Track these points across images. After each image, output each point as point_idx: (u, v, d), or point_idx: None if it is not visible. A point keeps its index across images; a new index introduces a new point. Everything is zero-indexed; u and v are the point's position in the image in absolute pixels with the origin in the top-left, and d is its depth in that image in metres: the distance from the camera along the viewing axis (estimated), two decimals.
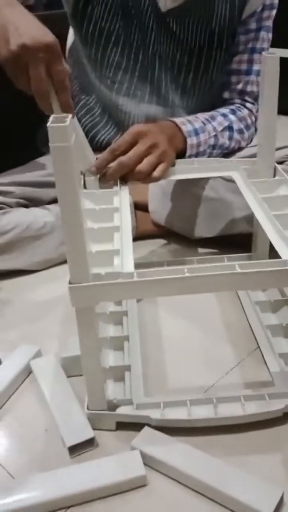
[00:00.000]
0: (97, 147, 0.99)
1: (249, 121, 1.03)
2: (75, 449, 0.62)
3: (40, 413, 0.68)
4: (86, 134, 1.02)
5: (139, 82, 1.02)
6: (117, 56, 1.00)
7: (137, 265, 0.60)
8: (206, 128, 0.94)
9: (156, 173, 0.80)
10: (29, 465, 0.62)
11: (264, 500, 0.54)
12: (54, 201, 1.05)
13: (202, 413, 0.64)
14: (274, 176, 0.81)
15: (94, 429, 0.64)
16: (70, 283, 0.55)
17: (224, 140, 0.98)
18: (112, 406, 0.65)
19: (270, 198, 0.73)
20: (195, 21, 0.96)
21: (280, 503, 0.54)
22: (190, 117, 0.95)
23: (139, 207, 1.09)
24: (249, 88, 1.03)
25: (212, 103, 1.06)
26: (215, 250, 1.03)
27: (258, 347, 0.77)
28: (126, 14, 0.96)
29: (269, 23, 1.01)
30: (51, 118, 0.48)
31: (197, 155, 0.93)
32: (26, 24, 0.70)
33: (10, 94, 1.28)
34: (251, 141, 1.05)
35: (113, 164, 0.79)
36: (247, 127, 1.03)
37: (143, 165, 0.79)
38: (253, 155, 0.86)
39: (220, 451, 0.61)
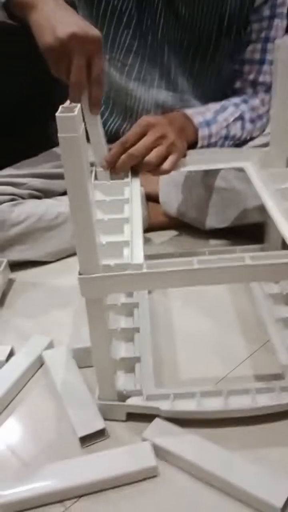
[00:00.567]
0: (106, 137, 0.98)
1: (260, 111, 1.01)
2: (86, 440, 0.62)
3: (52, 403, 0.69)
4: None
5: (149, 66, 1.00)
6: (128, 37, 0.98)
7: (148, 257, 0.59)
8: (218, 119, 0.93)
9: (165, 166, 0.79)
10: (41, 455, 0.62)
11: (274, 493, 0.54)
12: (62, 193, 1.05)
13: (212, 405, 0.64)
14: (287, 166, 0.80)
15: (105, 419, 0.64)
16: (79, 274, 0.55)
17: (236, 131, 0.97)
18: (123, 397, 0.65)
19: (283, 188, 0.72)
20: (204, 6, 0.94)
21: None
22: (201, 108, 0.94)
23: (151, 198, 1.09)
24: (261, 78, 1.01)
25: (222, 90, 1.04)
26: (227, 241, 1.02)
27: (270, 339, 0.77)
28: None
29: (284, 9, 0.98)
30: (60, 108, 0.48)
31: (208, 146, 0.92)
32: (71, 16, 0.72)
33: (22, 83, 1.29)
34: (263, 131, 1.04)
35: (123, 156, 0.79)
36: (259, 117, 1.01)
37: (152, 156, 0.78)
38: (266, 144, 0.85)
39: (231, 443, 0.61)
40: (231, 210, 1.00)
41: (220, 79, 1.03)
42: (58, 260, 1.01)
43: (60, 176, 1.03)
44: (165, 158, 0.79)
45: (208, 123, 0.91)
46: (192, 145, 0.89)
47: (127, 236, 0.63)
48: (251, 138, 1.01)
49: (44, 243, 0.99)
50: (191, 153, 0.85)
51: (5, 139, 1.14)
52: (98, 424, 0.63)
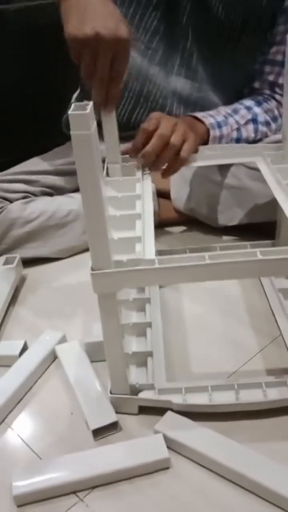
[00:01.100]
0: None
1: (276, 112, 1.00)
2: (99, 432, 0.63)
3: (65, 397, 0.70)
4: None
5: (172, 52, 0.99)
6: (156, 20, 0.96)
7: (159, 252, 0.60)
8: (228, 122, 0.93)
9: (183, 153, 0.79)
10: (55, 447, 0.63)
11: (286, 484, 0.54)
12: (78, 189, 1.06)
13: (223, 398, 0.65)
14: None
15: (117, 412, 0.65)
16: (92, 269, 0.56)
17: (248, 133, 0.96)
18: (135, 390, 0.66)
19: None
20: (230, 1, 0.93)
21: None
22: (212, 111, 0.94)
23: (162, 195, 1.10)
24: (280, 80, 1.00)
25: (239, 87, 1.04)
26: (237, 237, 1.02)
27: (281, 334, 0.77)
28: None
29: None
30: (72, 106, 0.49)
31: None
32: (105, 11, 0.70)
33: (34, 78, 1.30)
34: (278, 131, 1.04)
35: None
36: (274, 118, 1.00)
37: (174, 140, 0.78)
38: (278, 141, 0.86)
39: (242, 437, 0.61)
40: (242, 208, 1.00)
41: (238, 76, 1.03)
42: (69, 256, 1.02)
43: (71, 173, 1.04)
44: (181, 147, 0.79)
45: (219, 125, 0.91)
46: (203, 144, 0.89)
47: (139, 232, 0.63)
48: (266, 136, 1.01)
49: (56, 240, 1.00)
50: (203, 148, 0.85)
51: (14, 134, 1.15)
52: (111, 417, 0.64)
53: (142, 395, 0.66)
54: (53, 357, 0.76)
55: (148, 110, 1.04)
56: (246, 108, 0.98)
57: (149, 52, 0.99)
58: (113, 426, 0.64)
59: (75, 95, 1.14)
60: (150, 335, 0.74)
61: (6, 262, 0.93)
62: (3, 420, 0.67)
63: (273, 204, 0.91)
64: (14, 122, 1.28)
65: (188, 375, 0.72)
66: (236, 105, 0.98)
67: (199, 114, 0.91)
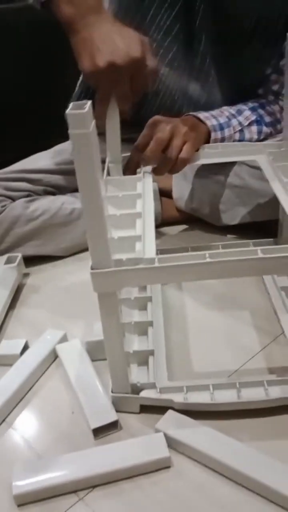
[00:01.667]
0: None
1: (278, 116, 1.00)
2: (99, 431, 0.63)
3: (66, 396, 0.70)
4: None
5: (184, 53, 0.98)
6: (170, 19, 0.94)
7: (161, 251, 0.60)
8: (231, 124, 0.92)
9: (182, 154, 0.80)
10: (55, 446, 0.63)
11: (286, 482, 0.54)
12: (75, 190, 1.06)
13: (225, 397, 0.64)
14: None
15: (118, 411, 0.65)
16: (92, 268, 0.56)
17: (251, 135, 0.96)
18: (136, 389, 0.66)
19: None
20: (245, 4, 0.91)
21: None
22: (215, 112, 0.93)
23: (164, 194, 1.09)
24: (285, 91, 1.00)
25: (243, 93, 1.03)
26: (239, 235, 1.02)
27: (283, 332, 0.77)
28: None
29: None
30: (70, 105, 0.48)
31: None
32: (113, 36, 0.69)
33: (35, 77, 1.30)
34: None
35: None
36: (277, 120, 0.99)
37: (170, 152, 0.79)
38: (279, 140, 0.85)
39: (243, 435, 0.61)
40: (244, 207, 1.00)
41: (245, 81, 1.01)
42: (72, 255, 1.02)
43: (73, 172, 1.03)
44: (181, 149, 0.80)
45: (221, 127, 0.90)
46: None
47: (139, 231, 0.63)
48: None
49: (59, 238, 1.00)
50: (205, 147, 0.85)
51: (15, 133, 1.15)
52: (111, 416, 0.64)
53: (143, 394, 0.66)
54: (54, 356, 0.76)
55: (155, 110, 1.03)
56: (251, 109, 0.97)
57: (161, 51, 0.97)
58: (113, 425, 0.64)
59: (75, 91, 1.13)
60: (152, 334, 0.74)
61: (8, 261, 0.93)
62: (3, 419, 0.67)
63: (275, 202, 0.91)
64: (15, 121, 1.28)
65: (190, 374, 0.72)
66: (240, 106, 0.98)
67: (201, 115, 0.90)
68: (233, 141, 0.93)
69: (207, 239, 1.03)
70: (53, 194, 1.05)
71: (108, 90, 0.71)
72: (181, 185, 1.07)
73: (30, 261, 0.98)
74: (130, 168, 0.82)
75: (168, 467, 0.59)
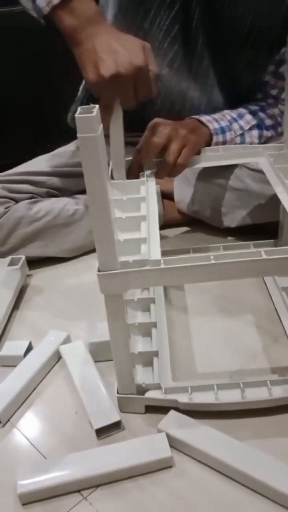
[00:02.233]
0: None
1: (279, 119, 1.00)
2: (102, 432, 0.64)
3: (70, 396, 0.70)
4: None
5: (184, 54, 0.98)
6: (169, 20, 0.94)
7: (164, 253, 0.60)
8: (232, 127, 0.93)
9: (180, 160, 0.80)
10: (59, 446, 0.64)
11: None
12: (82, 191, 1.06)
13: (229, 397, 0.65)
14: None
15: (123, 412, 0.66)
16: (99, 270, 0.57)
17: (252, 139, 0.96)
18: (141, 390, 0.66)
19: None
20: (239, 8, 0.92)
21: None
22: (216, 115, 0.94)
23: (166, 196, 1.10)
24: (284, 95, 0.99)
25: (241, 97, 1.04)
26: (241, 237, 1.02)
27: (285, 332, 0.77)
28: None
29: None
30: (79, 110, 0.49)
31: None
32: (115, 45, 0.70)
33: (36, 79, 1.30)
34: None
35: None
36: (278, 123, 1.00)
37: (168, 157, 0.80)
38: (279, 143, 0.85)
39: (246, 435, 0.62)
40: (245, 209, 1.00)
41: (239, 86, 1.02)
42: (74, 257, 1.03)
43: (76, 175, 1.04)
44: (179, 153, 0.80)
45: (223, 130, 0.91)
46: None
47: (144, 233, 0.64)
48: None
49: (61, 239, 1.01)
50: (206, 149, 0.86)
51: (16, 136, 1.16)
52: (114, 416, 0.64)
53: (148, 394, 0.66)
54: (57, 357, 0.77)
55: (155, 112, 1.03)
56: (251, 113, 0.98)
57: (161, 52, 0.97)
58: (116, 426, 0.64)
59: (78, 95, 1.14)
60: (155, 335, 0.75)
61: (11, 263, 0.94)
62: (8, 420, 0.68)
63: (275, 204, 0.92)
64: (16, 123, 1.28)
65: (193, 375, 0.73)
66: (241, 110, 0.98)
67: (204, 118, 0.91)
68: (234, 144, 0.94)
69: (208, 241, 1.03)
70: (56, 196, 1.05)
71: (112, 98, 0.73)
72: (182, 188, 1.08)
73: (33, 263, 0.99)
74: (132, 172, 0.82)
75: (170, 466, 0.59)
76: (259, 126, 0.97)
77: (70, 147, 1.10)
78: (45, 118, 1.31)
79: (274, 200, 0.89)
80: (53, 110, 1.16)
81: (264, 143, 0.99)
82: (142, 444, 0.61)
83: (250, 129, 0.96)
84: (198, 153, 0.85)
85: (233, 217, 1.02)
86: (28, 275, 0.97)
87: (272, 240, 0.93)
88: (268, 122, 0.99)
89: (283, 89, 0.99)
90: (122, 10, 0.95)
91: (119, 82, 0.70)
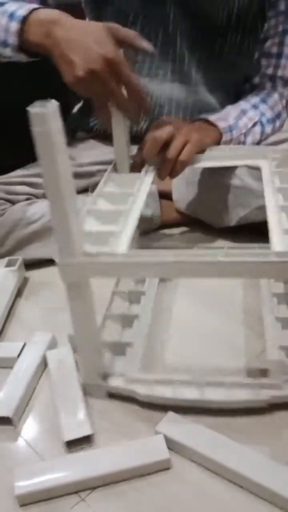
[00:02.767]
0: None
1: (280, 106, 1.01)
2: (72, 444, 0.62)
3: None
4: None
5: (160, 61, 1.00)
6: (146, 25, 0.96)
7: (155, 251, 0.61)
8: (238, 125, 0.93)
9: (182, 156, 0.80)
10: (57, 447, 0.64)
11: (286, 484, 0.54)
12: (79, 192, 1.06)
13: (187, 394, 0.66)
14: None
15: (88, 395, 0.68)
16: (57, 259, 0.59)
17: (254, 136, 0.97)
18: (106, 377, 0.68)
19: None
20: (211, 2, 0.93)
21: None
22: (221, 114, 0.94)
23: (164, 196, 1.10)
24: (279, 73, 1.01)
25: (237, 85, 1.04)
26: (240, 237, 1.02)
27: (265, 337, 0.76)
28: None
29: None
30: (35, 103, 0.50)
31: None
32: (86, 40, 0.71)
33: (36, 83, 1.30)
34: (282, 126, 1.04)
35: None
36: (278, 115, 1.01)
37: (169, 153, 0.80)
38: (284, 140, 0.85)
39: (237, 434, 0.62)
40: (243, 208, 1.00)
41: (234, 73, 1.03)
42: None
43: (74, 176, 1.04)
44: (182, 149, 0.80)
45: (230, 129, 0.92)
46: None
47: (119, 227, 0.65)
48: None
49: None
50: (211, 149, 0.85)
51: (15, 139, 1.16)
52: (85, 430, 0.63)
53: (111, 382, 0.68)
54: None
55: (144, 119, 1.05)
56: (253, 106, 0.98)
57: (136, 65, 0.97)
58: (87, 440, 0.63)
59: (77, 107, 1.15)
60: (136, 327, 0.76)
61: (8, 264, 0.94)
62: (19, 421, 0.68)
63: None
64: (15, 127, 1.28)
65: (164, 369, 0.74)
66: (243, 105, 0.98)
67: (211, 118, 0.91)
68: (239, 142, 0.94)
69: (207, 241, 1.03)
70: None
71: (99, 94, 0.73)
72: (181, 187, 1.08)
73: (31, 264, 0.99)
74: (135, 168, 0.83)
75: (168, 468, 0.59)
76: (261, 122, 0.98)
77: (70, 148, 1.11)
78: None
79: None
80: None
81: (266, 139, 1.00)
82: (140, 446, 0.61)
83: (253, 126, 0.96)
84: (202, 151, 0.84)
85: (232, 216, 1.02)
86: (25, 277, 0.97)
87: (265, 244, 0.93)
88: (269, 115, 0.99)
89: (276, 66, 1.00)
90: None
91: (96, 79, 0.70)
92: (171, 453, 0.60)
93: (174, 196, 1.09)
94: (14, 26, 0.76)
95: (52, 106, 0.50)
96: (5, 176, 1.04)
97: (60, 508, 0.57)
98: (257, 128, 0.97)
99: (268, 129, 0.99)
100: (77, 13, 1.01)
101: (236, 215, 1.01)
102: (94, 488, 0.58)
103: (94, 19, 1.00)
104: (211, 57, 1.00)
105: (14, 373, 0.73)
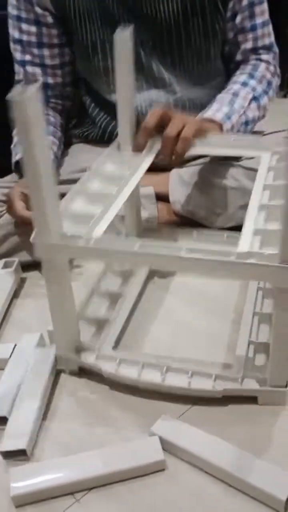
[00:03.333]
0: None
1: (268, 75, 1.01)
2: (8, 455, 0.62)
3: None
4: (104, 131, 1.07)
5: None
6: (101, 58, 1.00)
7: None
8: (235, 108, 0.93)
9: (183, 133, 0.80)
10: (52, 449, 0.64)
11: (279, 486, 0.55)
12: None
13: (150, 377, 0.67)
14: None
15: (59, 369, 0.72)
16: (33, 236, 0.61)
17: (254, 113, 0.97)
18: (79, 351, 0.70)
19: (279, 185, 0.71)
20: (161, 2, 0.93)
21: None
22: (214, 105, 0.94)
23: (161, 198, 1.10)
24: (260, 43, 1.01)
25: (220, 70, 1.05)
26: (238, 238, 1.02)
27: (240, 330, 0.76)
28: (102, 18, 0.96)
29: None
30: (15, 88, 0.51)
31: None
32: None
33: None
34: (276, 92, 1.04)
35: None
36: (268, 85, 1.01)
37: (168, 131, 0.80)
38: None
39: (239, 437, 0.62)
40: (239, 209, 1.00)
41: (206, 62, 1.02)
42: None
43: (73, 181, 1.04)
44: (181, 129, 0.80)
45: (228, 116, 0.92)
46: None
47: (102, 210, 0.66)
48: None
49: None
50: (211, 136, 0.85)
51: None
52: (21, 443, 0.62)
53: (82, 356, 0.70)
54: None
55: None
56: (243, 84, 0.98)
57: (111, 86, 1.02)
58: (22, 453, 0.62)
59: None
60: (120, 306, 0.78)
61: (5, 266, 0.94)
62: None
63: None
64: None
65: (135, 351, 0.75)
66: (233, 87, 0.98)
67: (206, 115, 0.91)
68: (241, 124, 0.94)
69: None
70: None
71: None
72: (177, 188, 1.07)
73: (28, 266, 0.98)
74: (138, 148, 0.82)
75: (163, 470, 0.60)
76: (256, 98, 0.98)
77: (68, 155, 1.11)
78: None
79: None
80: None
81: (264, 114, 1.00)
82: (135, 447, 0.61)
83: (249, 103, 0.97)
84: (203, 135, 0.83)
85: (228, 217, 1.02)
86: (22, 278, 0.97)
87: None
88: (259, 88, 0.99)
89: (254, 38, 1.00)
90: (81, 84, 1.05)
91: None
92: (166, 454, 0.60)
93: (171, 198, 1.08)
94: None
95: (31, 92, 0.51)
96: (3, 180, 1.05)
97: (55, 509, 0.57)
98: (253, 105, 0.97)
99: (263, 101, 0.99)
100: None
101: (232, 216, 1.01)
102: (89, 489, 0.58)
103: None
104: (182, 54, 1.00)
105: (6, 374, 0.73)
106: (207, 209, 1.04)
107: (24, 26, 1.00)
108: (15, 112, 0.52)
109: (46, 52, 1.03)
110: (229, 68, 1.06)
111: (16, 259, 0.95)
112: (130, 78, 0.79)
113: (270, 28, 1.02)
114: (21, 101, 0.51)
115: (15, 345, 0.78)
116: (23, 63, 1.03)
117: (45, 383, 0.69)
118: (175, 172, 1.03)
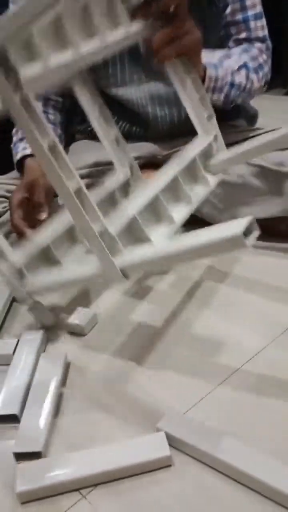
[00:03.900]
0: None
1: (260, 60, 1.02)
2: (21, 456, 0.61)
3: None
4: None
5: (130, 67, 1.02)
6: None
7: None
8: (223, 65, 0.94)
9: (185, 41, 0.76)
10: (58, 445, 0.64)
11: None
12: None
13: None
14: None
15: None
16: None
17: (241, 79, 0.97)
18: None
19: None
20: None
21: None
22: (208, 53, 0.92)
23: None
24: (253, 35, 1.02)
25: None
26: None
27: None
28: None
29: None
30: None
31: (213, 90, 0.93)
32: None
33: None
34: (264, 83, 1.04)
35: None
36: (260, 66, 1.02)
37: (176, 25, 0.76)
38: None
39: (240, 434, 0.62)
40: (242, 206, 1.00)
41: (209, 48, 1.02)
42: None
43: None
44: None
45: (215, 66, 0.92)
46: None
47: None
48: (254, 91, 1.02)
49: None
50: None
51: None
52: (37, 445, 0.61)
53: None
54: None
55: (130, 121, 1.07)
56: (236, 55, 0.99)
57: (110, 80, 1.02)
58: (37, 455, 0.61)
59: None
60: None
61: None
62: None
63: (273, 200, 0.92)
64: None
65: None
66: (227, 51, 0.99)
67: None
68: (225, 82, 0.94)
69: None
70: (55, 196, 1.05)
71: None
72: None
73: None
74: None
75: (170, 465, 0.59)
76: (246, 66, 0.98)
77: (72, 151, 1.12)
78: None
79: (272, 195, 0.89)
80: None
81: (250, 87, 1.00)
82: (141, 443, 0.61)
83: (239, 69, 0.97)
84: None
85: (233, 214, 1.02)
86: None
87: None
88: (251, 64, 0.99)
89: (247, 29, 1.01)
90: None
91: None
92: (173, 450, 0.60)
93: None
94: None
95: None
96: (4, 176, 1.05)
97: (61, 506, 0.57)
98: (243, 72, 0.97)
99: (253, 76, 0.99)
100: None
101: (234, 212, 1.01)
102: (95, 485, 0.58)
103: None
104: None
105: (12, 370, 0.73)
106: (210, 205, 1.03)
107: None
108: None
109: None
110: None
111: None
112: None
113: (263, 21, 1.02)
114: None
115: (18, 341, 0.78)
116: None
117: (55, 383, 0.69)
118: None
